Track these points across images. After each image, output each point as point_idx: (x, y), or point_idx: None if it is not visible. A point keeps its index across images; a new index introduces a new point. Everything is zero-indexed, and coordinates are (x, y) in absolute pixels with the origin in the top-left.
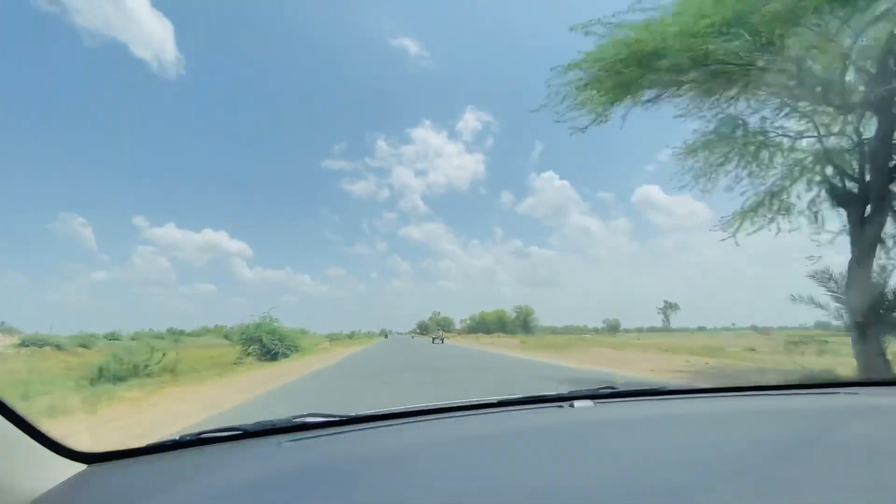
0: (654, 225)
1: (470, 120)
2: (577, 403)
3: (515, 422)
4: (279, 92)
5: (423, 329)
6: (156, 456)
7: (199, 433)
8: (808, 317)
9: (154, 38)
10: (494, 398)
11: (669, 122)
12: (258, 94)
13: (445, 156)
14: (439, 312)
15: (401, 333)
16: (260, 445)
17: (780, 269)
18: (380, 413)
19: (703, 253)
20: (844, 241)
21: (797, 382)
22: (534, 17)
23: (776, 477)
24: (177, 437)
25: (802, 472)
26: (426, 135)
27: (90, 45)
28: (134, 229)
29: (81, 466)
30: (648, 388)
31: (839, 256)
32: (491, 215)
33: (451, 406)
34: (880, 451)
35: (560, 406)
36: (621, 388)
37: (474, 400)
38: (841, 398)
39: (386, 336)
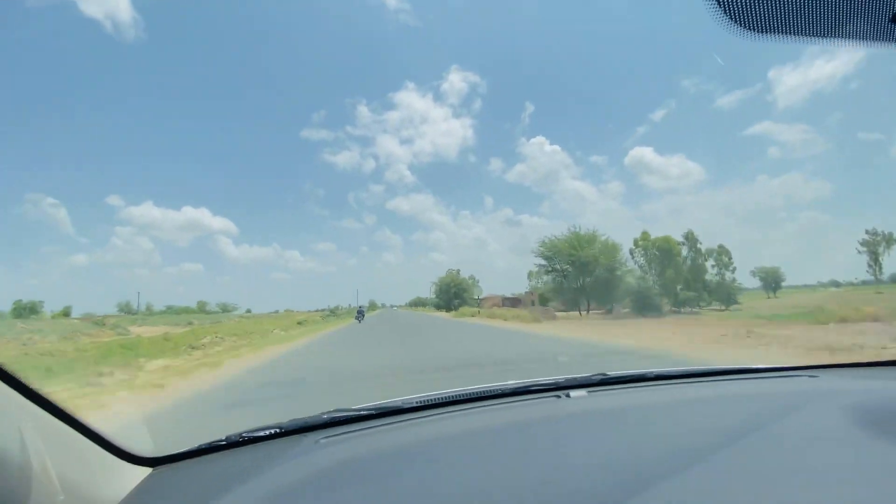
0: (647, 187)
1: (456, 81)
2: (572, 393)
3: (518, 413)
4: (250, 56)
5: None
6: (211, 457)
7: (243, 433)
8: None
9: None
10: (496, 386)
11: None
12: (226, 58)
13: (431, 121)
14: (458, 270)
15: (395, 307)
16: (300, 443)
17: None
18: (395, 407)
19: (694, 216)
20: None
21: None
22: None
23: (732, 463)
24: (223, 439)
25: (750, 457)
26: (410, 99)
27: (33, 3)
28: (109, 209)
29: (147, 470)
30: (638, 374)
31: None
32: (480, 184)
33: (458, 397)
34: (828, 436)
35: (558, 396)
36: (612, 376)
37: (479, 388)
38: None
39: (360, 317)
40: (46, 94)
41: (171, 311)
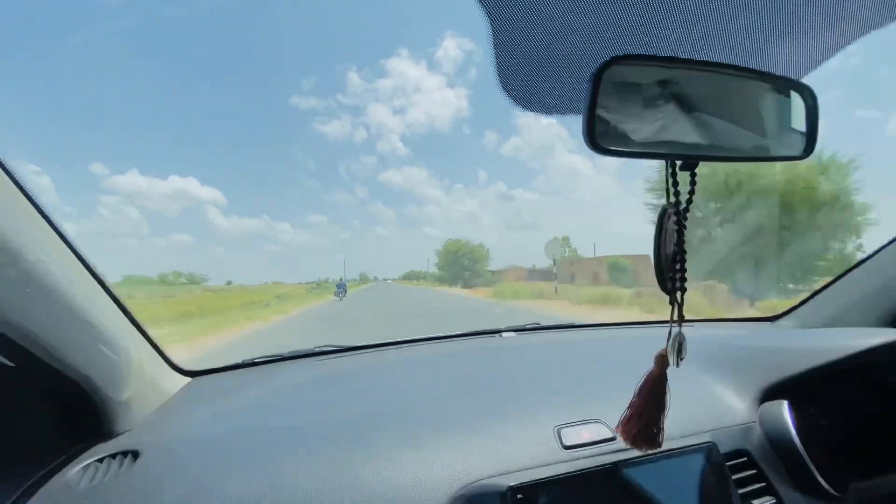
0: (644, 161)
1: (450, 48)
2: (505, 335)
3: (457, 345)
4: (238, 19)
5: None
6: (235, 372)
7: (255, 358)
8: None
9: None
10: (451, 332)
11: None
12: (214, 21)
13: (425, 90)
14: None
15: (389, 280)
16: (297, 365)
17: None
18: (362, 345)
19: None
20: None
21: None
22: None
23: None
24: (242, 360)
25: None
26: (403, 66)
27: None
28: (93, 177)
29: (187, 379)
30: (566, 324)
31: None
32: (474, 157)
33: (416, 338)
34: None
35: (493, 336)
36: (543, 325)
37: (433, 335)
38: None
39: (341, 292)
40: (25, 55)
41: (128, 281)
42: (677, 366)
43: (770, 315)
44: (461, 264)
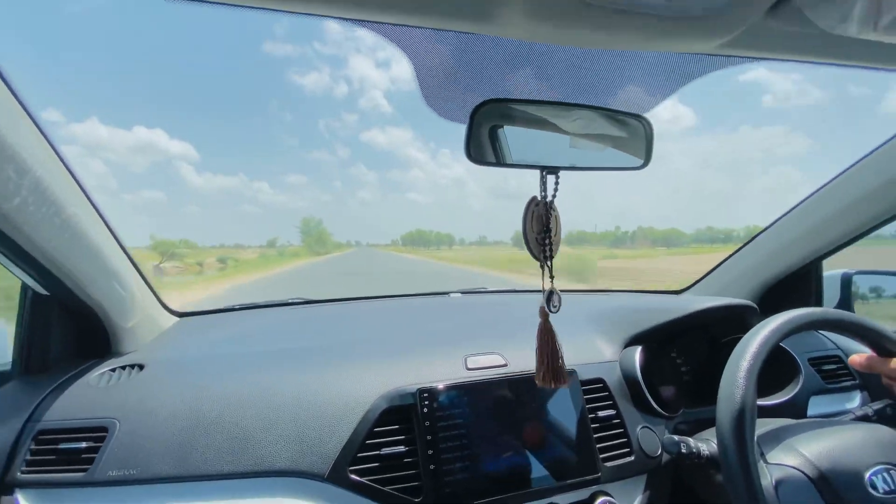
0: None
1: None
2: (452, 295)
3: (412, 302)
4: None
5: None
6: (215, 315)
7: (235, 305)
8: None
9: None
10: (409, 293)
11: None
12: None
13: None
14: None
15: (373, 246)
16: (271, 311)
17: None
18: (327, 299)
19: (674, 164)
20: None
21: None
22: None
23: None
24: (223, 306)
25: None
26: None
27: None
28: (47, 126)
29: (177, 318)
30: (507, 290)
31: None
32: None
33: (374, 296)
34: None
35: (443, 296)
36: (490, 289)
37: (391, 294)
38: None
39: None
40: None
41: None
42: (548, 312)
43: (678, 289)
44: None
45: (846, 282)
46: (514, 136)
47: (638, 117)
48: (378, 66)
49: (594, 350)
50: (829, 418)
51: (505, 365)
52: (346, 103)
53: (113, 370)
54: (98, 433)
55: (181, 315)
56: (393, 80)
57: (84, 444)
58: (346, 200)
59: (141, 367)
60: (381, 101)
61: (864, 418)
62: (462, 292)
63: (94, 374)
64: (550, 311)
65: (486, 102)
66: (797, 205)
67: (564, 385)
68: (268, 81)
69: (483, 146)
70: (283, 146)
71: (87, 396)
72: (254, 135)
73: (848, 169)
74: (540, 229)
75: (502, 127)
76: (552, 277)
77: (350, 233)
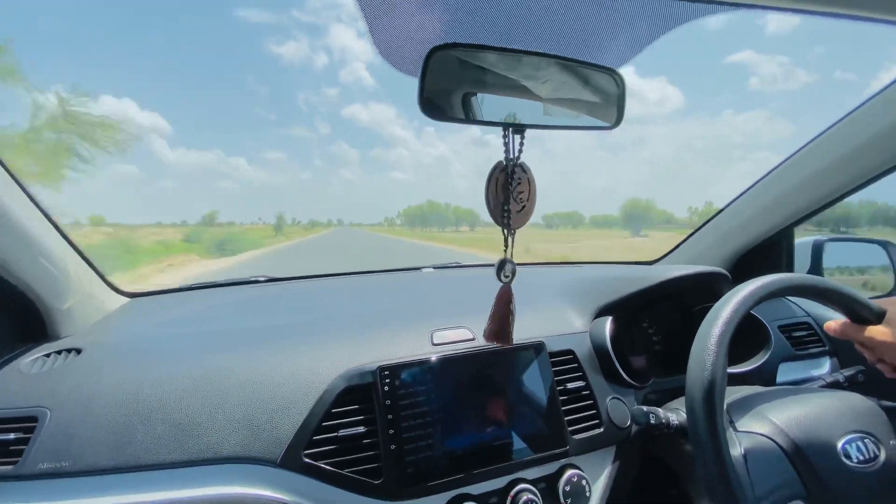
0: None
1: None
2: (424, 270)
3: (382, 278)
4: None
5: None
6: (171, 295)
7: (192, 283)
8: None
9: None
10: (380, 269)
11: None
12: None
13: None
14: None
15: (356, 225)
16: (230, 289)
17: None
18: (291, 276)
19: (657, 147)
20: None
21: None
22: None
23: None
24: (183, 286)
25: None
26: None
27: None
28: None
29: (126, 299)
30: (475, 264)
31: None
32: None
33: (343, 272)
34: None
35: (415, 271)
36: (461, 263)
37: (361, 270)
38: None
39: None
40: None
41: None
42: (501, 281)
43: (650, 260)
44: None
45: (817, 249)
46: (476, 89)
47: (611, 71)
48: (360, 36)
49: (564, 321)
50: (800, 385)
51: (473, 339)
52: (326, 76)
53: (47, 355)
54: (27, 423)
55: (132, 296)
56: (376, 52)
57: (12, 436)
58: (328, 178)
59: (78, 351)
60: (364, 74)
61: (835, 385)
62: (434, 267)
63: (26, 360)
64: (501, 281)
65: (442, 46)
66: (768, 173)
67: (508, 345)
68: (242, 50)
69: (440, 99)
70: (260, 120)
71: (16, 384)
72: (229, 107)
73: (817, 137)
74: (507, 197)
75: (463, 79)
76: (505, 248)
77: (333, 212)
